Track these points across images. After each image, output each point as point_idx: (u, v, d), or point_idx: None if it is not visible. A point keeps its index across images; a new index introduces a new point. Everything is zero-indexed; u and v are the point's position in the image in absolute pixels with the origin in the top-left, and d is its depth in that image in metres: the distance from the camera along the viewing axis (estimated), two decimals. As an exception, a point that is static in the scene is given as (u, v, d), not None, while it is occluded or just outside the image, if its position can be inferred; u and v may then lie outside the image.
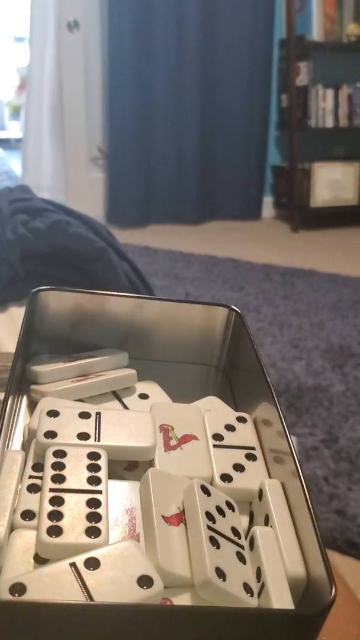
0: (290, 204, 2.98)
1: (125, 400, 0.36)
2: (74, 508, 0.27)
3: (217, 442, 0.33)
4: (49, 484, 0.28)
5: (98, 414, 0.32)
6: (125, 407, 0.36)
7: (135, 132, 2.86)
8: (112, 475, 0.31)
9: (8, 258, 0.74)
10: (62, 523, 0.27)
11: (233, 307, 0.40)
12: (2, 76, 5.46)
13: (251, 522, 0.31)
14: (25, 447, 0.33)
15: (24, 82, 3.24)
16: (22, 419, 0.35)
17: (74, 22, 2.79)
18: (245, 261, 2.47)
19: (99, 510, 0.27)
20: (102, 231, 0.87)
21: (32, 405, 0.35)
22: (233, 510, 0.30)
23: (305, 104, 2.95)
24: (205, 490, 0.29)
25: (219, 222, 3.10)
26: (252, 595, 0.26)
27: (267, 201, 3.21)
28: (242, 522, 0.30)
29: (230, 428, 0.35)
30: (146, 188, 2.95)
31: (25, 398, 0.36)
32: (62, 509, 0.27)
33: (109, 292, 0.39)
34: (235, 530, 0.28)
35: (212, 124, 2.98)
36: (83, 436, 0.31)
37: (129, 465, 0.32)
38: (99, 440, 0.31)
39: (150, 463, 0.32)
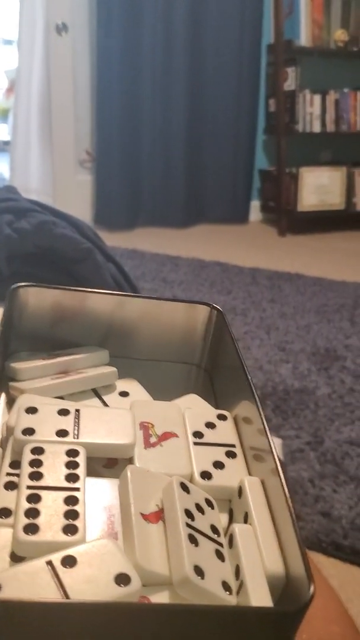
0: (278, 208, 2.99)
1: (105, 398, 0.36)
2: (52, 505, 0.27)
3: (197, 440, 0.33)
4: (26, 481, 0.28)
5: (77, 411, 0.32)
6: (105, 405, 0.36)
7: (123, 135, 2.86)
8: (91, 473, 0.30)
9: (-8, 258, 0.73)
10: (39, 520, 0.26)
11: (214, 305, 0.39)
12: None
13: (231, 520, 0.31)
14: (2, 444, 0.32)
15: (12, 85, 3.23)
16: (0, 417, 0.34)
17: (62, 25, 2.78)
18: (233, 265, 2.47)
19: (76, 507, 0.27)
20: (89, 232, 0.87)
21: (10, 403, 0.35)
22: (212, 508, 0.29)
23: (292, 108, 2.97)
24: (184, 487, 0.29)
25: (206, 226, 3.10)
26: (230, 593, 0.26)
27: (255, 205, 3.22)
28: (222, 519, 0.30)
29: (210, 425, 0.34)
30: (134, 191, 2.95)
31: (3, 395, 0.36)
32: (39, 506, 0.27)
33: (89, 289, 0.39)
34: (214, 528, 0.28)
35: (200, 128, 2.99)
36: (62, 433, 0.31)
37: (108, 463, 0.32)
38: (77, 438, 0.30)
39: (130, 460, 0.32)
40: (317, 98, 3.00)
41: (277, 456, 0.30)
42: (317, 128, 3.02)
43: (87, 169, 3.03)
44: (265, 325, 1.87)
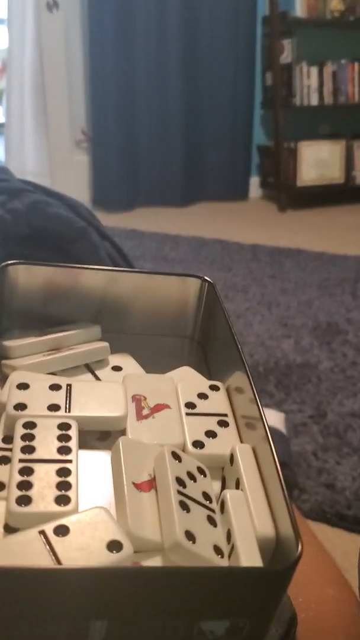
0: (277, 184, 2.96)
1: (98, 372, 0.36)
2: (44, 477, 0.27)
3: (190, 410, 0.34)
4: (18, 454, 0.28)
5: (69, 385, 0.32)
6: (98, 379, 0.36)
7: (118, 113, 2.83)
8: (84, 446, 0.31)
9: (-13, 240, 0.73)
10: (32, 492, 0.27)
11: (205, 277, 0.39)
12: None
13: (223, 487, 0.31)
14: (-4, 420, 0.32)
15: (4, 65, 3.19)
16: (-6, 394, 0.35)
17: (53, 1, 2.74)
18: (233, 242, 2.46)
19: (69, 479, 0.27)
20: (83, 211, 0.87)
21: (3, 381, 0.35)
22: (205, 476, 0.30)
23: (289, 82, 2.93)
24: (176, 456, 0.29)
25: (205, 204, 3.09)
26: (222, 557, 0.26)
27: (254, 181, 3.20)
28: (214, 487, 0.30)
29: (202, 396, 0.35)
30: (132, 170, 2.93)
31: (-4, 373, 0.36)
32: (31, 478, 0.27)
33: (80, 266, 0.39)
34: (206, 495, 0.28)
35: (197, 104, 2.95)
36: (53, 407, 0.31)
37: (101, 435, 0.32)
38: (69, 411, 0.31)
39: (123, 432, 0.32)
40: (314, 70, 2.96)
41: (268, 423, 0.30)
42: (314, 101, 2.98)
43: (84, 149, 3.01)
44: (267, 301, 1.87)
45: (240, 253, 2.33)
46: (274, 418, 1.19)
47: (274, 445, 0.28)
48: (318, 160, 2.99)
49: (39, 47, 2.80)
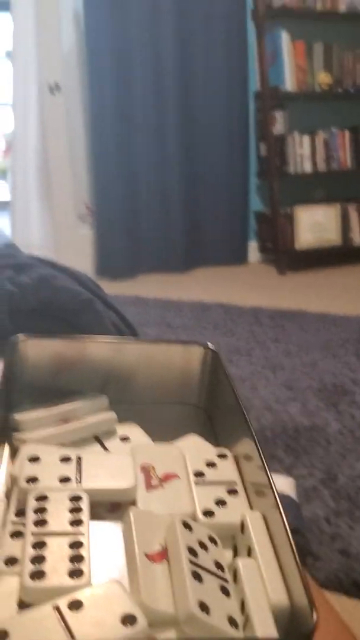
0: (275, 248, 3.02)
1: (106, 443, 0.37)
2: (57, 551, 0.27)
3: (199, 479, 0.34)
4: (31, 528, 0.28)
5: (79, 457, 0.33)
6: (106, 450, 0.36)
7: (120, 187, 2.93)
8: (96, 517, 0.31)
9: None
10: (45, 566, 0.27)
11: (208, 344, 0.40)
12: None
13: (235, 556, 0.31)
14: (8, 495, 0.33)
15: (10, 146, 3.34)
16: (6, 467, 0.35)
17: (55, 84, 2.89)
18: (235, 306, 2.49)
19: (81, 551, 0.28)
20: (88, 282, 0.89)
21: (15, 454, 0.36)
22: (216, 545, 0.30)
23: (283, 151, 3.04)
24: (187, 526, 0.29)
25: (206, 269, 3.14)
26: (237, 628, 0.26)
27: (253, 246, 3.26)
28: (226, 555, 0.30)
29: (211, 465, 0.35)
30: (134, 240, 3.00)
31: (7, 447, 0.36)
32: (44, 552, 0.27)
33: (86, 336, 0.40)
34: (218, 564, 0.28)
35: (195, 176, 3.06)
36: (64, 480, 0.31)
37: (111, 507, 0.32)
38: (80, 483, 0.31)
39: (133, 503, 0.32)
40: (307, 139, 3.07)
41: (278, 491, 0.30)
42: (308, 168, 3.08)
43: (88, 223, 3.09)
44: (271, 365, 1.87)
45: (242, 317, 2.35)
46: (284, 483, 1.17)
47: (284, 512, 0.29)
48: (315, 224, 3.06)
49: (42, 128, 2.94)
